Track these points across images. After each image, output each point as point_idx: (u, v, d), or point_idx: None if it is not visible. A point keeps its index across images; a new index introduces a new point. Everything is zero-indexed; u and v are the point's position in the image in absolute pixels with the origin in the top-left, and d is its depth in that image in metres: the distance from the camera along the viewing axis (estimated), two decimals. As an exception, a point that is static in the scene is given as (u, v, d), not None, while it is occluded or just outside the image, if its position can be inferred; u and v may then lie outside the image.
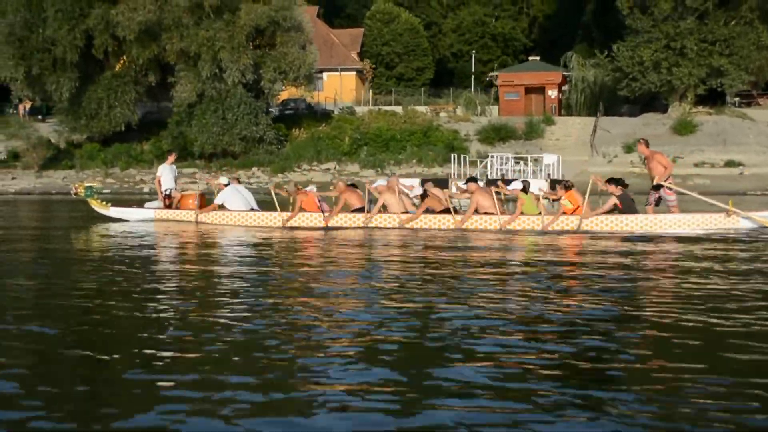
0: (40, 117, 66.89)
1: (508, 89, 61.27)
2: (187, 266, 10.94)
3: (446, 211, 17.02)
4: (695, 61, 52.35)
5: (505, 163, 40.55)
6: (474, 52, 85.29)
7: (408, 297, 7.77)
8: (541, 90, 61.40)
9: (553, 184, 37.56)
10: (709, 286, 8.29)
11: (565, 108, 61.92)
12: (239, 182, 20.09)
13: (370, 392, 4.58)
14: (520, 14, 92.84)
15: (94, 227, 17.82)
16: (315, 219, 17.51)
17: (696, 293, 7.81)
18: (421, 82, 78.09)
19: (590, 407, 4.31)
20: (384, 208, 17.42)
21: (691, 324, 6.35)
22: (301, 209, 17.69)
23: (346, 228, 17.12)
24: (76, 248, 13.80)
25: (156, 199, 20.58)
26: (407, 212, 17.28)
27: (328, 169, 50.63)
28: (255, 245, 13.95)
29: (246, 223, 18.12)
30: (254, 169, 50.19)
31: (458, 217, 16.79)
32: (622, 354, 5.50)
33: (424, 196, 17.58)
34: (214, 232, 16.64)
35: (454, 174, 40.78)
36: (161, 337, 6.07)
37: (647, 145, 16.66)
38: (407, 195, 17.86)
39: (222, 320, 6.65)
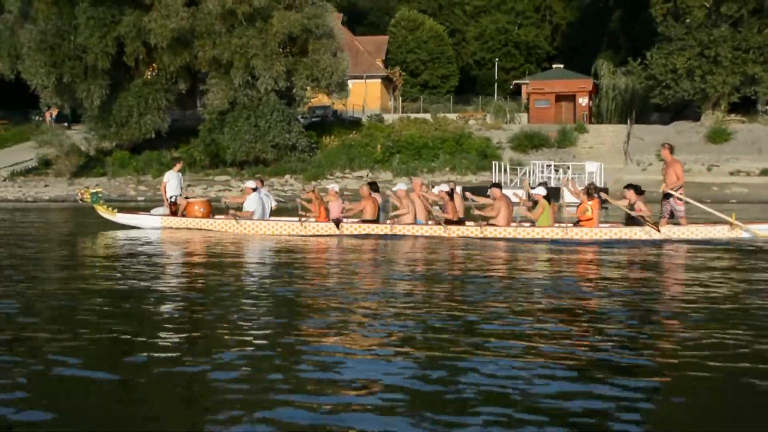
0: (65, 124, 66.85)
1: (538, 97, 60.99)
2: (205, 270, 11.05)
3: (458, 222, 17.04)
4: (729, 69, 52.01)
5: (547, 171, 40.18)
6: (497, 59, 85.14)
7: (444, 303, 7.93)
8: (571, 98, 61.10)
9: (596, 192, 37.34)
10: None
11: (595, 116, 61.53)
12: (263, 184, 20.15)
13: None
14: (543, 22, 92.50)
15: (104, 233, 18.12)
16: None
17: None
18: (446, 89, 77.82)
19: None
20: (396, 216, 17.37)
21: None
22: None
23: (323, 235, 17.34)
24: (101, 253, 14.04)
25: (162, 206, 20.62)
26: (416, 222, 17.09)
27: (361, 177, 50.27)
28: (267, 251, 14.32)
29: (283, 232, 18.00)
30: (287, 176, 49.93)
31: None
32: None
33: (451, 195, 17.35)
34: (222, 238, 16.86)
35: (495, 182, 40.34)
36: (178, 340, 6.22)
37: (671, 150, 16.78)
38: (427, 201, 17.53)
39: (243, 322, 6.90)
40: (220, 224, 18.70)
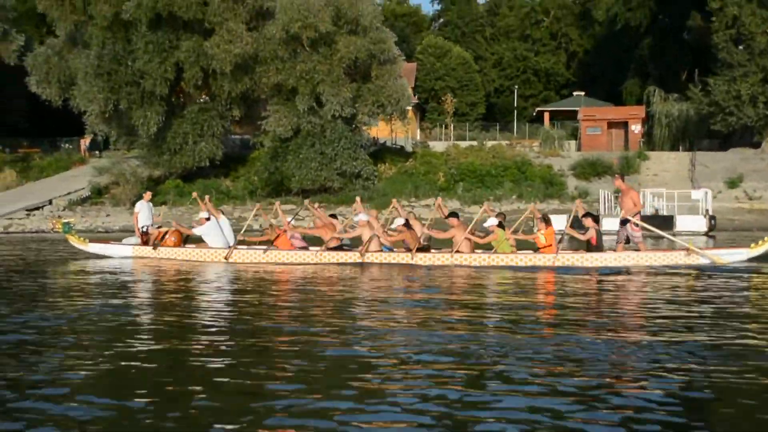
0: (97, 153, 65.19)
1: (590, 124, 60.44)
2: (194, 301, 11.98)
3: (423, 249, 17.92)
4: (792, 95, 51.90)
5: (658, 200, 39.49)
6: (516, 87, 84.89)
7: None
8: (622, 125, 60.61)
9: (711, 220, 36.68)
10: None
11: (646, 143, 61.03)
12: (223, 214, 21.25)
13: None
14: (558, 49, 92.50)
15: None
16: (257, 255, 18.81)
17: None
18: (474, 117, 77.22)
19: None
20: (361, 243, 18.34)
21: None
22: (276, 247, 18.88)
23: (294, 264, 18.27)
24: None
25: (133, 236, 21.65)
26: (381, 250, 18.12)
27: (428, 205, 49.23)
28: (226, 281, 15.27)
29: (203, 259, 19.19)
30: (354, 205, 48.55)
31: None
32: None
33: (408, 225, 18.27)
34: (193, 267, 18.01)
35: (604, 210, 39.66)
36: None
37: (623, 179, 18.40)
38: (385, 232, 18.80)
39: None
40: (193, 254, 19.50)
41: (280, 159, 50.05)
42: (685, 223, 34.93)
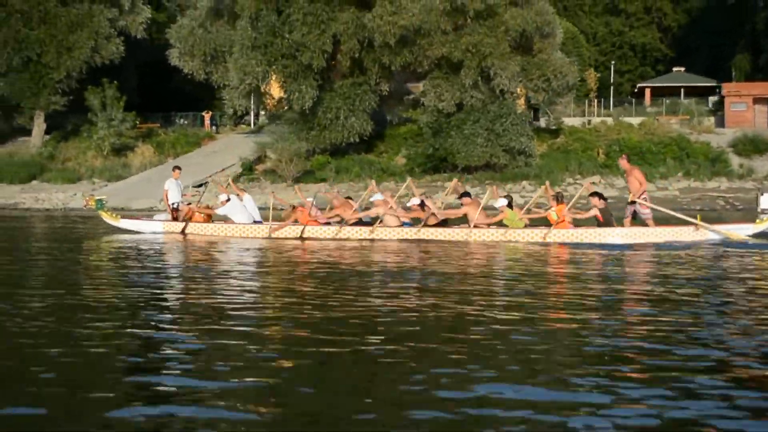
0: (214, 128, 63.71)
1: (735, 99, 58.79)
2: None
3: (442, 223, 18.52)
4: None
5: None
6: (613, 62, 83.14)
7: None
8: (765, 101, 58.90)
9: None
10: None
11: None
12: (245, 193, 22.10)
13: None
14: (651, 24, 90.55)
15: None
16: (296, 230, 19.15)
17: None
18: (584, 93, 75.45)
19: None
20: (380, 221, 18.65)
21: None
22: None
23: (321, 239, 18.88)
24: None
25: (164, 212, 22.72)
26: (402, 225, 18.62)
27: (594, 183, 47.80)
28: (250, 254, 15.73)
29: (232, 234, 19.78)
30: (524, 182, 47.13)
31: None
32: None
33: (422, 205, 18.94)
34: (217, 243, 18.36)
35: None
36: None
37: (629, 160, 18.98)
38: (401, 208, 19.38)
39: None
40: (221, 229, 20.04)
41: (443, 135, 48.40)
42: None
